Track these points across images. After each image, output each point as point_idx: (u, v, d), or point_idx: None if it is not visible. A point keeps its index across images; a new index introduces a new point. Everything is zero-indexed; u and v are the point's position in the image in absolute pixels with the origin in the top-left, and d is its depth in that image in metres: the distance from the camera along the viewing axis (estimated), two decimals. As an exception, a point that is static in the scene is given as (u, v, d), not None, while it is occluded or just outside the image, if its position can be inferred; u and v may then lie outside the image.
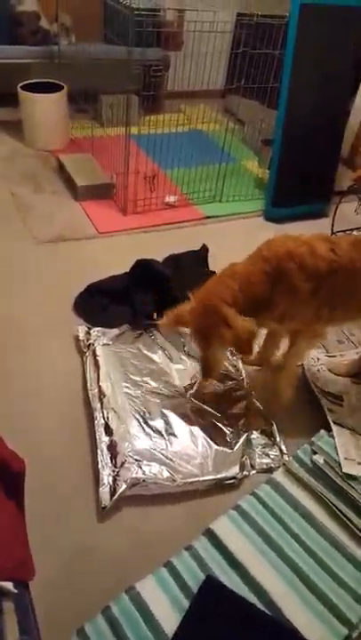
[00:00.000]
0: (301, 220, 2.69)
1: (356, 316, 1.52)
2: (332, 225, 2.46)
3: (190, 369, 1.70)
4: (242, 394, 1.64)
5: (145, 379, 1.64)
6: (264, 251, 1.37)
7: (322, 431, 1.52)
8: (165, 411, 1.54)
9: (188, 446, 1.45)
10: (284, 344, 1.64)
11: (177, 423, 1.51)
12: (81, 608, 1.11)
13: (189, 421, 1.52)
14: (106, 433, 1.44)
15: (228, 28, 3.00)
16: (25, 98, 2.91)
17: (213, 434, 1.49)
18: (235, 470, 1.41)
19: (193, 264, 2.21)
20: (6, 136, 3.16)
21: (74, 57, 3.13)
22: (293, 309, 1.38)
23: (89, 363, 1.66)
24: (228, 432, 1.51)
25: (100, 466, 1.35)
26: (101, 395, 1.54)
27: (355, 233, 2.39)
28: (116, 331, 1.81)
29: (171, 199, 2.68)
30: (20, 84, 2.92)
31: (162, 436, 1.46)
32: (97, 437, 1.42)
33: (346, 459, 1.43)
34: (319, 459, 1.43)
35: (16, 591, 0.77)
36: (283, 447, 1.49)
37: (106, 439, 1.43)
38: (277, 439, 1.51)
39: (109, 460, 1.37)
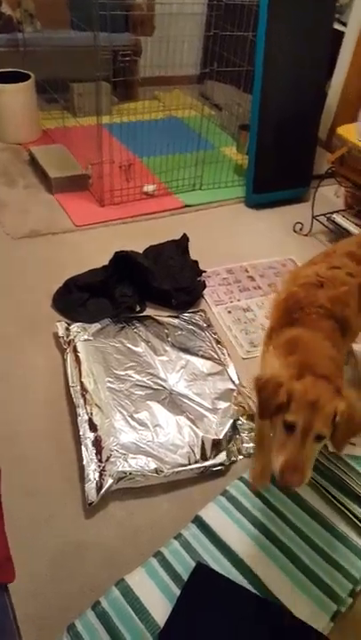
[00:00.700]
0: (283, 206, 2.68)
1: None
2: (312, 209, 2.46)
3: (175, 360, 1.69)
4: (225, 378, 1.64)
5: (129, 372, 1.62)
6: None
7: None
8: (150, 403, 1.53)
9: (174, 436, 1.44)
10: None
11: (162, 414, 1.50)
12: (72, 605, 1.10)
13: (175, 412, 1.51)
14: (90, 429, 1.43)
15: (199, 10, 2.94)
16: (-10, 89, 2.81)
17: (200, 422, 1.49)
18: (222, 457, 1.41)
19: (174, 254, 2.19)
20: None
21: (39, 44, 3.04)
22: None
23: (70, 359, 1.64)
24: (214, 420, 1.51)
25: (85, 462, 1.34)
26: (84, 391, 1.52)
27: (335, 215, 2.38)
28: (97, 325, 1.79)
29: (149, 188, 2.64)
30: (-16, 75, 2.83)
31: (147, 428, 1.45)
32: (81, 434, 1.41)
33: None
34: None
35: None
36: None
37: (90, 435, 1.41)
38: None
39: (95, 456, 1.36)
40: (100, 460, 1.34)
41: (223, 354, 1.77)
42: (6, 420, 1.48)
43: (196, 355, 1.73)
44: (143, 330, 1.80)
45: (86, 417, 1.46)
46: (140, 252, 2.15)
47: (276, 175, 2.62)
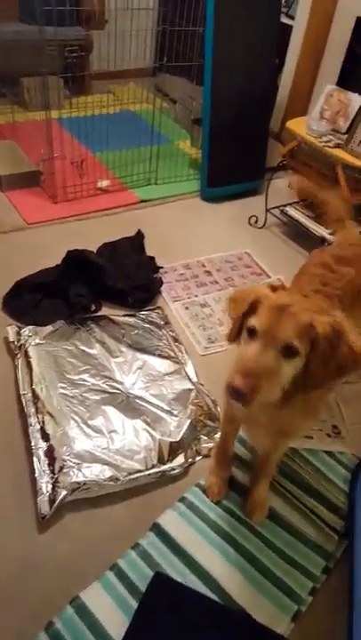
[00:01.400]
0: (238, 199, 2.66)
1: None
2: (266, 202, 2.45)
3: (131, 361, 1.64)
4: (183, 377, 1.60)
5: (83, 376, 1.56)
6: None
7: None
8: (106, 407, 1.47)
9: (130, 441, 1.39)
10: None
11: (118, 419, 1.45)
12: (25, 627, 1.04)
13: (132, 415, 1.46)
14: (42, 438, 1.36)
15: (150, 4, 2.87)
16: None
17: (157, 425, 1.44)
18: (180, 460, 1.37)
19: (129, 251, 2.13)
20: None
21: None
22: None
23: (21, 365, 1.56)
24: (171, 422, 1.47)
25: (37, 474, 1.27)
26: (35, 398, 1.45)
27: (287, 208, 2.38)
28: (49, 328, 1.71)
29: (103, 184, 2.56)
30: None
31: (103, 434, 1.40)
32: (33, 444, 1.34)
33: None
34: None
35: None
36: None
37: (43, 445, 1.34)
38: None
39: (47, 467, 1.29)
40: (52, 472, 1.28)
41: (181, 352, 1.73)
42: None
43: (153, 354, 1.68)
44: (98, 331, 1.74)
45: (38, 426, 1.39)
46: (95, 248, 2.08)
47: (230, 168, 2.60)
